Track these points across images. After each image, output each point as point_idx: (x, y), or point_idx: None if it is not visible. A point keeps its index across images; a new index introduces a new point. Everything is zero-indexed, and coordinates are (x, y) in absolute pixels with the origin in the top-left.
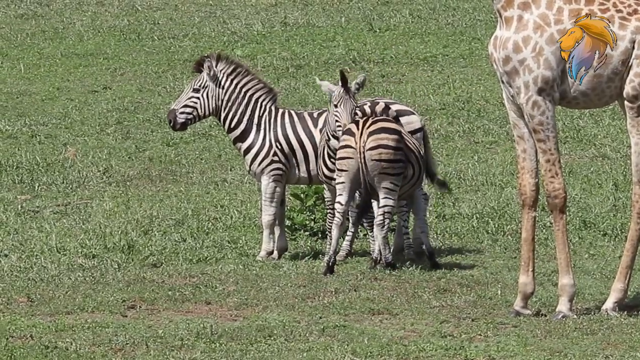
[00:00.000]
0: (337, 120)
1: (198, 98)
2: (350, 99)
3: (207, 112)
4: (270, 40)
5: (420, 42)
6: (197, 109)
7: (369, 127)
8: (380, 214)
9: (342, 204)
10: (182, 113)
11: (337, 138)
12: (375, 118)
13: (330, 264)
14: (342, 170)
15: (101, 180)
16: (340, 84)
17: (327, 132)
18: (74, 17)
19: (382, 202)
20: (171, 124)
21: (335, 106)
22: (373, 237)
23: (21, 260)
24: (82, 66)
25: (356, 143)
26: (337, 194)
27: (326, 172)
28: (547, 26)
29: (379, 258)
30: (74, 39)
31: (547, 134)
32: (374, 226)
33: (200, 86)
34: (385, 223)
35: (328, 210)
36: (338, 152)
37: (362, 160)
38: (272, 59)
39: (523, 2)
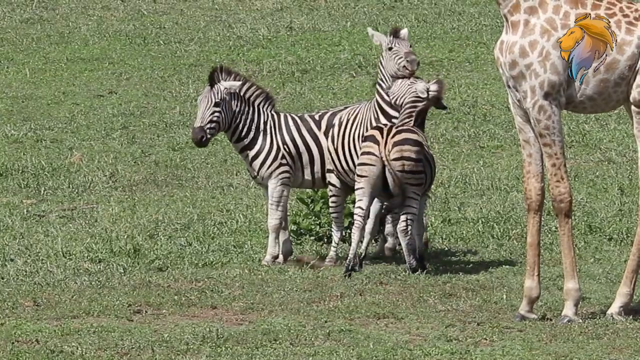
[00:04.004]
0: (397, 56)
1: (220, 112)
2: (406, 42)
3: (226, 126)
4: (275, 44)
5: (425, 46)
6: (220, 123)
7: (393, 136)
8: (404, 221)
9: (362, 209)
10: (210, 129)
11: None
12: (399, 128)
13: (350, 267)
14: (362, 176)
15: (107, 185)
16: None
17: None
18: (79, 22)
19: (405, 209)
20: (203, 141)
21: (390, 49)
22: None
23: (27, 265)
24: (87, 70)
25: (380, 152)
26: (357, 199)
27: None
28: (553, 30)
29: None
30: (79, 43)
31: (553, 138)
32: (398, 233)
33: (220, 99)
34: (409, 230)
35: (333, 200)
36: (360, 157)
37: (389, 169)
38: (278, 63)
39: (530, 6)
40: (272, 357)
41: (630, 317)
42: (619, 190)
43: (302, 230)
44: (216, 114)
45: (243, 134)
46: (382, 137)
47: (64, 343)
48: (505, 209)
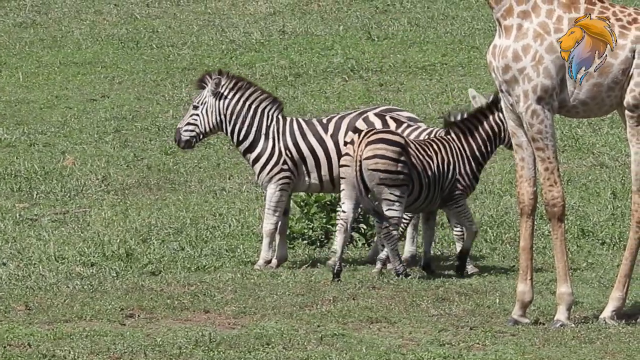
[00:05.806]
0: None
1: (198, 115)
2: None
3: (208, 128)
4: (268, 48)
5: (418, 50)
6: (198, 126)
7: (369, 137)
8: (386, 227)
9: (344, 212)
10: (185, 131)
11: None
12: (378, 129)
13: (336, 270)
14: (342, 179)
15: (99, 189)
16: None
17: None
18: (72, 26)
19: (387, 214)
20: (175, 141)
21: None
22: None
23: (19, 269)
24: (80, 74)
25: (354, 152)
26: (341, 203)
27: None
28: (547, 35)
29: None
30: (72, 47)
31: (546, 142)
32: (382, 238)
33: (199, 103)
34: (392, 235)
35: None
36: (340, 160)
37: (357, 169)
38: (271, 67)
39: (523, 10)
40: None
41: (623, 321)
42: (611, 195)
43: (294, 234)
44: (193, 116)
45: (241, 137)
46: (359, 139)
47: (56, 347)
48: (498, 213)
